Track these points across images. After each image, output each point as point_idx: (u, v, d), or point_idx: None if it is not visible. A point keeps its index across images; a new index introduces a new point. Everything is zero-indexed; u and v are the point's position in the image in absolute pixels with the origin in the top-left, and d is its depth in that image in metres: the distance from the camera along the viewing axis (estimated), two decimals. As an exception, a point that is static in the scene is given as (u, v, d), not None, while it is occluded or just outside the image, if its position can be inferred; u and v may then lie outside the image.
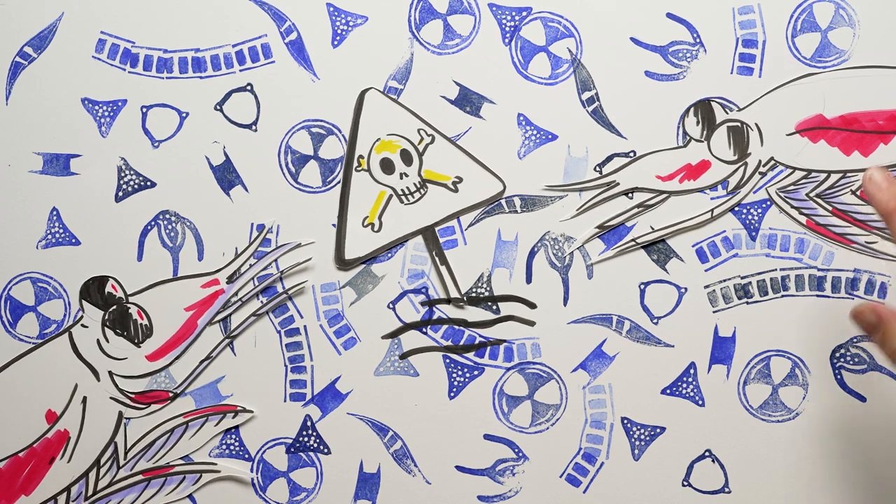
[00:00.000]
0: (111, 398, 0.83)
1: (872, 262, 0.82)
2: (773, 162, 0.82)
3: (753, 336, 0.82)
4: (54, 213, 0.83)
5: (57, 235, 0.83)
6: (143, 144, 0.84)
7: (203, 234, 0.84)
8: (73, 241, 0.83)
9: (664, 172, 0.82)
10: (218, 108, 0.84)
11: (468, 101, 0.83)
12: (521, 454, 0.83)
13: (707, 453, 0.83)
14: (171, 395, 0.83)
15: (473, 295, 0.83)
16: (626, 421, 0.83)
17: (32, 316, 0.83)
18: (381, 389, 0.83)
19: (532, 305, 0.83)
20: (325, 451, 0.84)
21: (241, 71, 0.83)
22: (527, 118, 0.83)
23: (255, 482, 0.84)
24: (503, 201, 0.83)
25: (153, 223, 0.83)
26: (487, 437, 0.83)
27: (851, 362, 0.82)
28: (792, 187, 0.82)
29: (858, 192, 0.82)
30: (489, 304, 0.83)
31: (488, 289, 0.83)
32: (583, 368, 0.83)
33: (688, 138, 0.82)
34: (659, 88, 0.82)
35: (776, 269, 0.82)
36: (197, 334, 0.83)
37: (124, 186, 0.84)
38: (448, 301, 0.83)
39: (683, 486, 0.83)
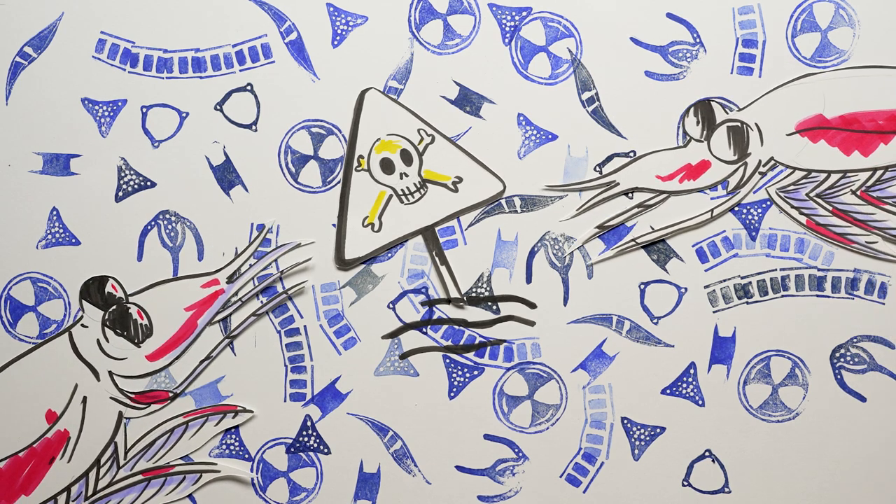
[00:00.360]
0: (111, 398, 0.83)
1: (872, 262, 0.82)
2: (773, 162, 0.82)
3: (753, 336, 0.82)
4: (54, 213, 0.83)
5: (57, 235, 0.83)
6: (143, 144, 0.84)
7: (203, 234, 0.84)
8: (73, 241, 0.83)
9: (664, 172, 0.82)
10: (218, 108, 0.84)
11: (468, 101, 0.83)
12: (521, 454, 0.83)
13: (707, 453, 0.83)
14: (171, 395, 0.83)
15: (473, 295, 0.83)
16: (626, 421, 0.83)
17: (32, 316, 0.83)
18: (381, 389, 0.83)
19: (532, 305, 0.83)
20: (325, 451, 0.84)
21: (241, 71, 0.83)
22: (527, 118, 0.83)
23: (255, 482, 0.84)
24: (503, 201, 0.83)
25: (153, 223, 0.83)
26: (487, 437, 0.83)
27: (851, 362, 0.82)
28: (792, 187, 0.82)
29: (858, 192, 0.82)
30: (489, 304, 0.83)
31: (488, 289, 0.83)
32: (583, 368, 0.83)
33: (688, 138, 0.82)
34: (659, 88, 0.82)
35: (776, 269, 0.82)
36: (197, 334, 0.83)
37: (124, 186, 0.84)
38: (448, 301, 0.83)
39: (683, 486, 0.83)
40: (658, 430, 0.83)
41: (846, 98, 0.81)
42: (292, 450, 0.84)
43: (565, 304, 0.83)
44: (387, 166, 0.83)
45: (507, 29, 0.83)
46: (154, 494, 0.83)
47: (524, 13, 0.83)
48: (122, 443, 0.83)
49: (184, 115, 0.84)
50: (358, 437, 0.84)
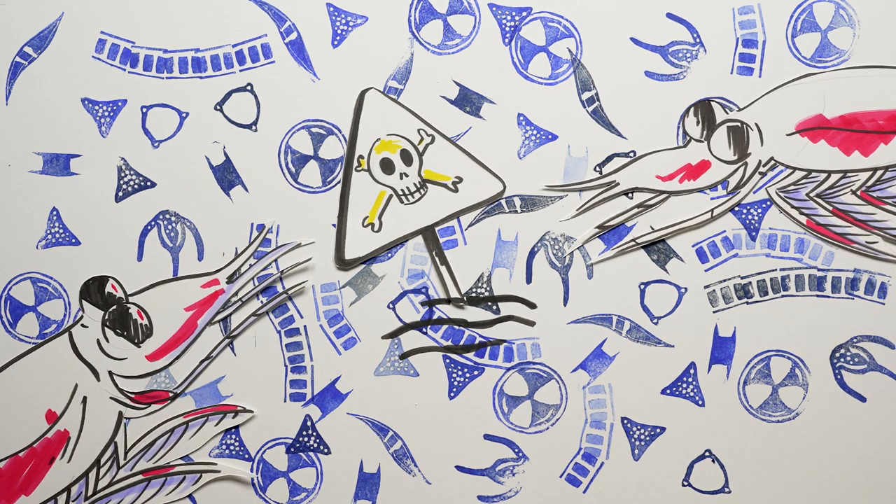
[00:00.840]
0: (111, 398, 0.83)
1: (872, 263, 0.82)
2: (773, 162, 0.82)
3: (753, 336, 0.82)
4: (54, 213, 0.83)
5: (57, 235, 0.83)
6: (143, 144, 0.84)
7: (203, 234, 0.84)
8: (73, 241, 0.83)
9: (664, 172, 0.82)
10: (218, 108, 0.84)
11: (468, 101, 0.83)
12: (521, 454, 0.83)
13: (707, 453, 0.83)
14: (171, 395, 0.83)
15: (473, 295, 0.83)
16: (626, 421, 0.83)
17: (32, 316, 0.83)
18: (381, 389, 0.83)
19: (532, 305, 0.83)
20: (325, 451, 0.84)
21: (241, 71, 0.83)
22: (527, 118, 0.83)
23: (255, 482, 0.84)
24: (503, 201, 0.83)
25: (153, 223, 0.83)
26: (487, 437, 0.83)
27: (851, 362, 0.82)
28: (792, 187, 0.82)
29: (859, 192, 0.82)
30: (489, 304, 0.83)
31: (488, 289, 0.83)
32: (583, 368, 0.83)
33: (688, 138, 0.82)
34: (659, 88, 0.82)
35: (776, 269, 0.82)
36: (197, 334, 0.83)
37: (124, 186, 0.84)
38: (448, 301, 0.83)
39: (683, 486, 0.83)
40: (658, 430, 0.83)
41: (846, 98, 0.81)
42: (292, 450, 0.84)
43: (565, 304, 0.83)
44: (387, 166, 0.83)
45: (507, 29, 0.83)
46: (154, 494, 0.83)
47: (524, 13, 0.83)
48: (122, 443, 0.83)
49: (184, 115, 0.84)
50: (358, 437, 0.84)
